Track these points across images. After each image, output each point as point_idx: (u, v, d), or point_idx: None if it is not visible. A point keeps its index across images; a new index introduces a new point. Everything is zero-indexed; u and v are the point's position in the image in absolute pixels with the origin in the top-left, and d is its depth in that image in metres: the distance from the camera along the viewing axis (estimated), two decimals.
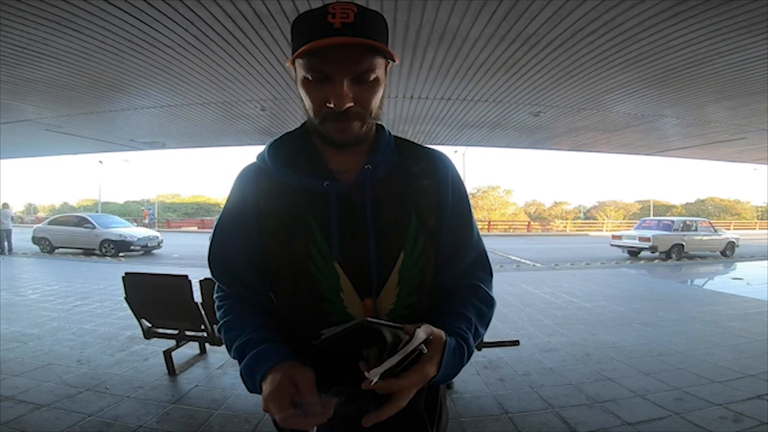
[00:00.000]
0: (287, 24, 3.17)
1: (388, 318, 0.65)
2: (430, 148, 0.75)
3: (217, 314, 0.73)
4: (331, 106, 0.59)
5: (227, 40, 3.48)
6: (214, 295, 0.75)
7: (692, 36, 3.26)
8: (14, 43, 3.45)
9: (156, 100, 5.28)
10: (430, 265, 0.70)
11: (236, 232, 0.71)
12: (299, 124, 0.75)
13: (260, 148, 0.73)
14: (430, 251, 0.70)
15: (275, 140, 0.73)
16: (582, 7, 2.86)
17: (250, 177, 0.71)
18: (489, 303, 0.72)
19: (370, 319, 0.52)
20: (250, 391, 0.63)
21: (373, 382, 0.50)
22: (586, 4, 2.82)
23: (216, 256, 0.74)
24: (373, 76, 0.60)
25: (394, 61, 0.61)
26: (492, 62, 3.96)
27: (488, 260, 0.77)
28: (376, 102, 0.63)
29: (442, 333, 0.59)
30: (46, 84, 4.54)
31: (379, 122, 0.71)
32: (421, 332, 0.54)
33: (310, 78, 0.60)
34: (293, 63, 0.63)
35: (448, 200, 0.72)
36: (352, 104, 0.60)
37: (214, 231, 0.74)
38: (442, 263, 0.73)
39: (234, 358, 0.66)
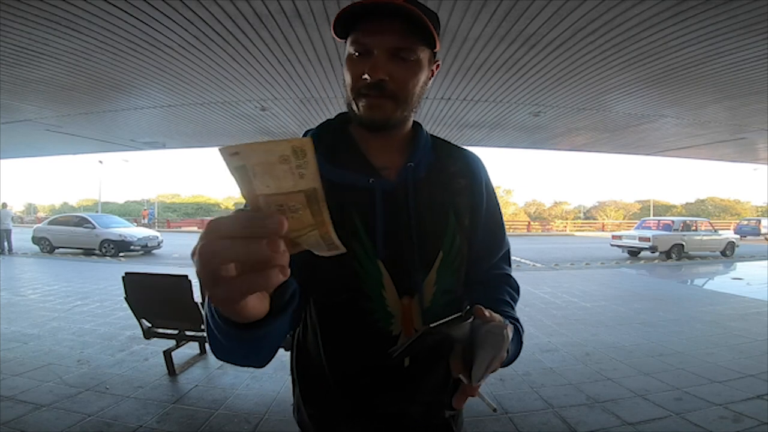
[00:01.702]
0: (287, 24, 3.18)
1: (425, 314, 0.65)
2: (464, 149, 0.77)
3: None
4: (366, 77, 0.59)
5: (227, 40, 3.48)
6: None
7: (692, 36, 3.26)
8: (14, 43, 3.45)
9: (156, 100, 5.28)
10: (464, 262, 0.71)
11: None
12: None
13: None
14: (465, 250, 0.71)
15: (313, 130, 0.72)
16: (582, 7, 2.86)
17: None
18: (517, 289, 0.77)
19: (432, 325, 0.52)
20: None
21: (480, 384, 0.51)
22: (586, 4, 2.82)
23: None
24: (413, 56, 0.60)
25: (435, 47, 0.62)
26: (492, 62, 3.95)
27: (510, 254, 0.82)
28: (414, 86, 0.62)
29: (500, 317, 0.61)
30: (46, 84, 4.54)
31: (415, 119, 0.72)
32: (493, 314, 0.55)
33: (354, 53, 0.61)
34: (341, 45, 0.66)
35: (483, 201, 0.73)
36: (386, 77, 0.59)
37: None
38: (473, 260, 0.74)
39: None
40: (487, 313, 0.54)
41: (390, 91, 0.61)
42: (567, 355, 3.18)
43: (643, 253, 11.40)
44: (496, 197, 0.78)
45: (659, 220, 12.32)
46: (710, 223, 12.64)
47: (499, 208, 0.79)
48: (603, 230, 27.46)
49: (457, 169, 0.72)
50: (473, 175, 0.73)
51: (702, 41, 3.35)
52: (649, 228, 11.76)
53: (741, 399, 2.40)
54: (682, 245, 10.98)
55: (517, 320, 0.68)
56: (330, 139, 0.69)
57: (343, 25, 0.61)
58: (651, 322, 4.17)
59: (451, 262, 0.68)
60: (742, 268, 9.01)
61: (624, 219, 34.81)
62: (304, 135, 0.70)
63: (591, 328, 3.97)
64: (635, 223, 15.90)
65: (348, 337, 0.65)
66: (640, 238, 11.10)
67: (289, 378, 2.92)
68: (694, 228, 11.47)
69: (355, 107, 0.64)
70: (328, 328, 0.67)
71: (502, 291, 0.74)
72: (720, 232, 12.32)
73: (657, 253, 10.94)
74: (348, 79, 0.63)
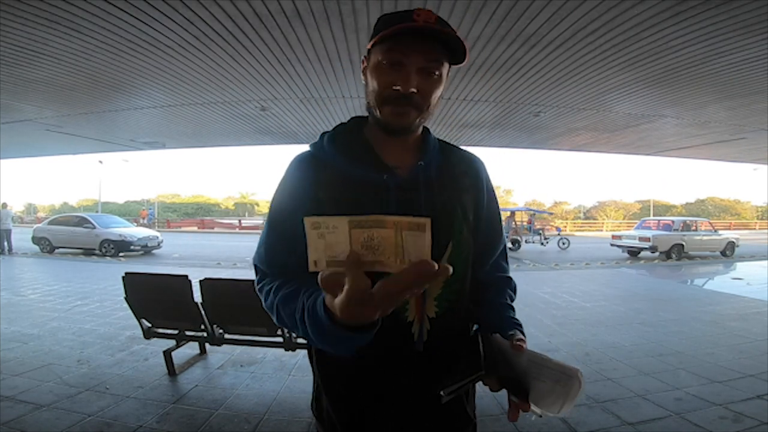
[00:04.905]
0: (287, 24, 3.18)
1: (436, 302, 0.72)
2: (467, 151, 0.85)
3: (264, 296, 0.69)
4: (397, 88, 0.66)
5: (227, 40, 3.48)
6: (256, 284, 0.73)
7: (692, 36, 3.26)
8: (14, 43, 3.45)
9: (156, 100, 5.28)
10: (471, 255, 0.78)
11: (294, 223, 0.66)
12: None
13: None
14: (471, 242, 0.77)
15: (330, 132, 0.78)
16: (582, 7, 2.87)
17: (307, 167, 0.74)
18: (515, 289, 0.86)
19: (488, 369, 0.63)
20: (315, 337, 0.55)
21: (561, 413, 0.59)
22: (586, 4, 2.82)
23: (270, 249, 0.72)
24: (437, 72, 0.68)
25: (462, 61, 0.69)
26: (492, 62, 3.96)
27: (507, 251, 0.90)
28: (434, 97, 0.71)
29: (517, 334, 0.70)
30: (46, 84, 4.54)
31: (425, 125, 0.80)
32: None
33: (384, 63, 0.66)
34: (367, 55, 0.71)
35: (484, 199, 0.81)
36: (415, 90, 0.66)
37: (268, 222, 0.74)
38: (478, 255, 0.81)
39: (303, 324, 0.58)
40: (524, 346, 0.63)
41: (416, 102, 0.68)
42: (567, 355, 3.18)
43: (643, 253, 11.39)
44: (495, 196, 0.85)
45: (659, 220, 12.31)
46: (710, 223, 12.63)
47: (498, 207, 0.86)
48: (601, 230, 27.44)
49: (462, 169, 0.80)
50: (476, 175, 0.81)
51: (702, 41, 3.35)
52: (649, 228, 11.76)
53: (741, 399, 2.40)
54: (682, 245, 10.97)
55: (520, 324, 0.76)
56: (346, 140, 0.75)
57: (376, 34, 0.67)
58: (651, 322, 4.17)
59: (460, 252, 0.74)
60: (742, 268, 9.01)
61: (624, 219, 34.80)
62: (321, 136, 0.76)
63: (591, 328, 3.97)
64: (635, 223, 15.88)
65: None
66: (640, 238, 11.09)
67: (289, 378, 2.93)
68: (694, 228, 11.46)
69: (377, 112, 0.70)
70: None
71: (505, 294, 0.83)
72: (720, 232, 12.31)
73: (657, 253, 10.93)
74: (374, 85, 0.68)
